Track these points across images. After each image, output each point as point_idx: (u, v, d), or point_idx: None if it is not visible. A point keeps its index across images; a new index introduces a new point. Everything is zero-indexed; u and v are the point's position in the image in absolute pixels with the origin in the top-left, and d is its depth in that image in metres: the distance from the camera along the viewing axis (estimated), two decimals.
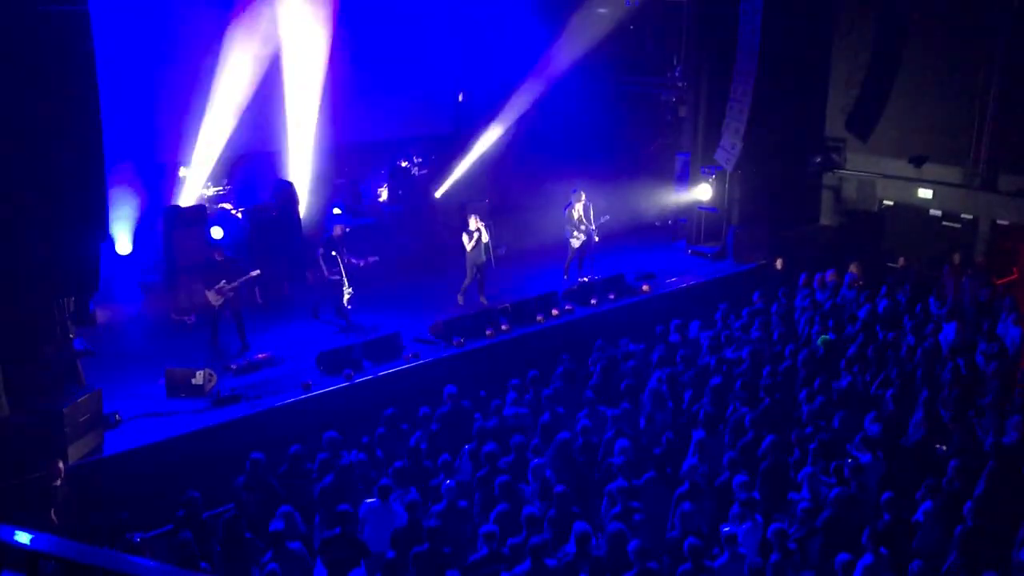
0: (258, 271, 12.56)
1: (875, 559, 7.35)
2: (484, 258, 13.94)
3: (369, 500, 8.52)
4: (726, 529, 7.91)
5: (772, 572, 7.19)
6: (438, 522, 7.84)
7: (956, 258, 14.48)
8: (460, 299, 14.05)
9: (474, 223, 13.86)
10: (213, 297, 12.22)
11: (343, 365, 11.84)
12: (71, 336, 10.34)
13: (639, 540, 7.38)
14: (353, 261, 13.12)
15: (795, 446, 9.35)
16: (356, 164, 18.26)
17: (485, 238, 13.88)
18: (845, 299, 13.88)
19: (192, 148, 15.22)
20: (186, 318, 13.52)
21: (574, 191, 15.29)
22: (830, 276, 14.38)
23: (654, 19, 18.73)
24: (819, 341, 11.91)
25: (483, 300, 14.11)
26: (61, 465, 8.87)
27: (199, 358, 11.95)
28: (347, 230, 13.95)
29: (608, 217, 15.33)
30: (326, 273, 13.01)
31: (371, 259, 13.56)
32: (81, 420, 9.62)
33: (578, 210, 15.10)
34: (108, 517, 8.51)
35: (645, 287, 15.25)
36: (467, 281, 14.12)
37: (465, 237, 13.87)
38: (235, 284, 12.26)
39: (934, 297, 13.73)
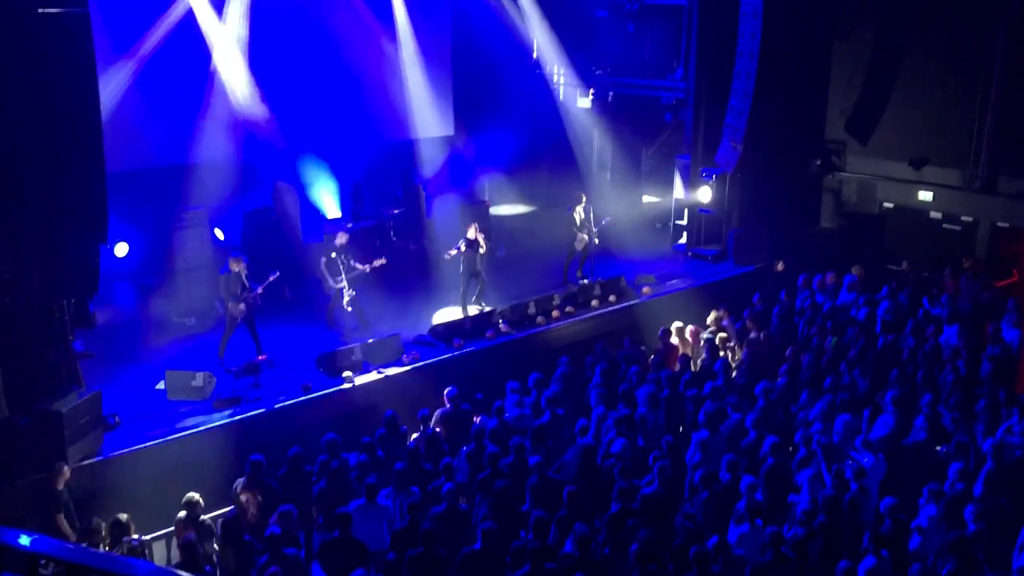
0: (277, 273, 12.41)
1: (877, 562, 7.34)
2: (480, 267, 13.87)
3: (356, 500, 8.50)
4: (729, 532, 7.90)
5: (772, 575, 7.18)
6: (433, 525, 7.85)
7: (967, 262, 14.45)
8: (463, 311, 14.00)
9: (472, 232, 13.79)
10: (237, 309, 11.96)
11: (343, 367, 11.84)
12: (71, 338, 10.33)
13: (639, 543, 7.37)
14: (359, 266, 13.04)
15: (797, 448, 9.34)
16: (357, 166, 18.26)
17: (483, 248, 13.83)
18: (845, 301, 13.88)
19: None
20: (186, 320, 13.50)
21: (576, 193, 15.28)
22: (830, 278, 14.39)
23: (654, 21, 18.73)
24: (831, 344, 11.88)
25: (483, 307, 14.06)
26: (66, 469, 8.86)
27: (200, 361, 11.92)
28: (349, 230, 13.82)
29: (609, 219, 15.30)
30: (331, 282, 12.94)
31: (378, 262, 13.43)
32: (81, 422, 9.59)
33: (579, 212, 15.11)
34: (107, 519, 8.50)
35: (645, 289, 15.25)
36: (463, 290, 14.06)
37: (463, 245, 13.79)
38: (258, 290, 12.05)
39: (935, 299, 13.74)
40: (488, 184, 19.20)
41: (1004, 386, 10.66)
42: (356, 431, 10.20)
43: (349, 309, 12.99)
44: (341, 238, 13.20)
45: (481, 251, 13.77)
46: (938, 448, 9.53)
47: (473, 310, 13.84)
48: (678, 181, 17.73)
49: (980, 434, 9.63)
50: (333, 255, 12.86)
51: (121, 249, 14.29)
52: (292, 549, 7.80)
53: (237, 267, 12.01)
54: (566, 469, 9.24)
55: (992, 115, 15.78)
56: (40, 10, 8.65)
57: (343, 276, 12.79)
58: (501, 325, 13.38)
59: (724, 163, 16.52)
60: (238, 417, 10.79)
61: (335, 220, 16.69)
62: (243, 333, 12.26)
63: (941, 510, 8.11)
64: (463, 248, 13.66)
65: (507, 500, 8.41)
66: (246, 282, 12.05)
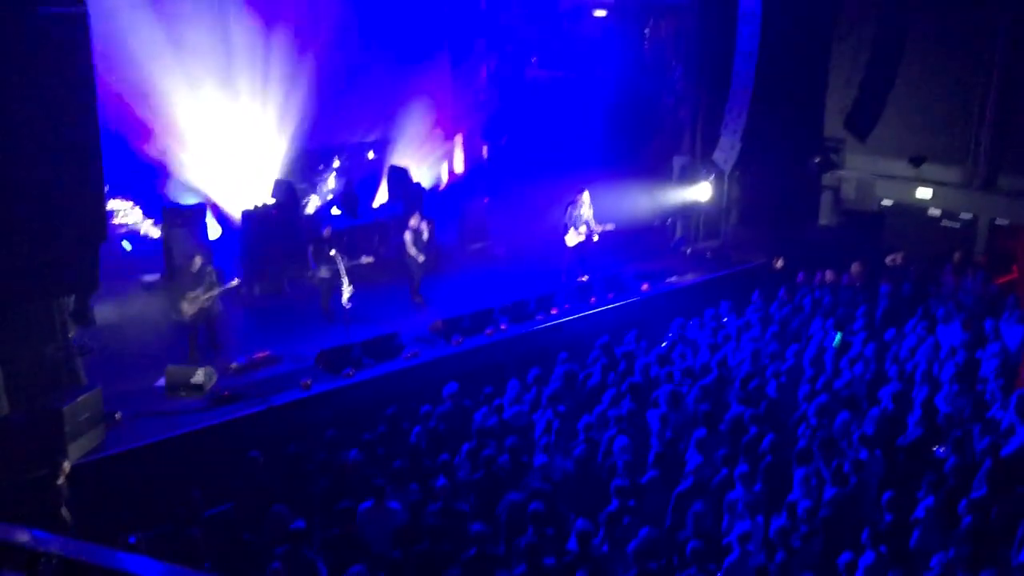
0: (237, 280, 12.42)
1: (876, 558, 7.36)
2: (423, 257, 13.99)
3: (364, 503, 8.50)
4: (732, 528, 7.90)
5: (775, 572, 7.19)
6: (436, 521, 7.84)
7: (957, 256, 14.50)
8: (418, 299, 14.16)
9: (415, 221, 13.95)
10: (186, 307, 11.87)
11: (343, 364, 11.84)
12: (71, 334, 10.34)
13: (639, 540, 7.37)
14: (344, 262, 13.06)
15: (796, 444, 9.35)
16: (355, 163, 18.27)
17: (425, 235, 13.97)
18: (844, 298, 13.88)
19: None
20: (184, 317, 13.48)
21: (575, 191, 15.27)
22: (829, 275, 14.39)
23: (653, 21, 18.74)
24: (835, 341, 11.89)
25: (418, 299, 14.15)
26: (66, 464, 8.87)
27: (198, 358, 11.93)
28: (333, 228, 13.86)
29: (612, 226, 15.18)
30: (316, 272, 13.06)
31: (365, 259, 13.46)
32: (81, 419, 9.60)
33: (578, 209, 15.09)
34: (106, 516, 8.51)
35: (644, 286, 15.25)
36: (416, 280, 14.20)
37: (408, 235, 13.88)
38: (210, 295, 11.94)
39: (933, 296, 13.74)
40: None
41: (1004, 382, 10.67)
42: (356, 428, 10.20)
43: (348, 306, 12.99)
44: (326, 232, 13.28)
45: (425, 239, 13.99)
46: (935, 448, 9.52)
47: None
48: (677, 179, 17.72)
49: (978, 431, 9.62)
50: (332, 251, 12.88)
51: (126, 243, 14.36)
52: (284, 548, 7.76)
53: (194, 267, 12.00)
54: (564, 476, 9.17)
55: (991, 112, 15.80)
56: (39, 9, 8.64)
57: (339, 268, 12.80)
58: (501, 322, 13.40)
59: (722, 161, 16.52)
60: (238, 414, 10.79)
61: (330, 218, 16.71)
62: (251, 327, 12.27)
63: (938, 505, 8.12)
64: (409, 237, 13.86)
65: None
66: (210, 282, 11.95)
